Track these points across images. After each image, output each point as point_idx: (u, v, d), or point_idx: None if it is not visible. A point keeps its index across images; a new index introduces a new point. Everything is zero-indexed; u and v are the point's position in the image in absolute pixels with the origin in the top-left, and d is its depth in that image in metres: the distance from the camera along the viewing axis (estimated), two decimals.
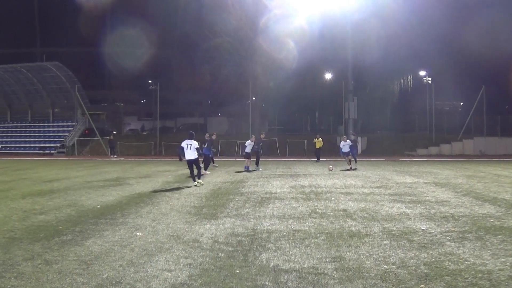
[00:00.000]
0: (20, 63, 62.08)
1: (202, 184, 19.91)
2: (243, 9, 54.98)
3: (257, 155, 30.18)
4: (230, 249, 8.77)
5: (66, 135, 61.79)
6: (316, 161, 39.16)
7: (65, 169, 32.24)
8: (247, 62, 58.71)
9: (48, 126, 64.70)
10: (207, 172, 25.33)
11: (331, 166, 29.42)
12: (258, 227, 10.81)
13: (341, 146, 30.85)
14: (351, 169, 29.11)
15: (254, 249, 8.76)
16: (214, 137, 31.12)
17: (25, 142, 61.89)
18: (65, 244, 9.13)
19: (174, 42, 69.64)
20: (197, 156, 19.77)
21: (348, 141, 30.47)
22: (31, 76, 63.14)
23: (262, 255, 8.32)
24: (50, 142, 61.29)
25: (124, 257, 8.17)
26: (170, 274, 7.19)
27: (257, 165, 29.72)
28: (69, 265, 7.68)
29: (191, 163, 19.84)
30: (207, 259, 8.08)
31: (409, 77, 64.43)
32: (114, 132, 63.62)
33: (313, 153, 42.33)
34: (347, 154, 30.46)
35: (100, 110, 74.76)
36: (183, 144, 19.84)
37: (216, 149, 25.44)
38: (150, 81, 68.81)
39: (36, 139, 61.63)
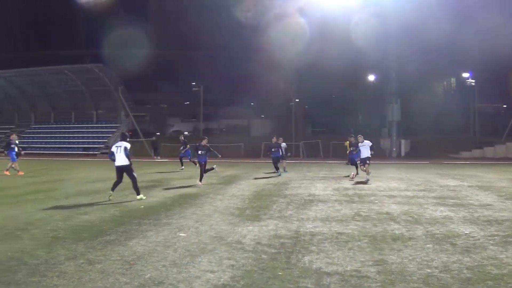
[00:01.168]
0: (64, 65, 62.99)
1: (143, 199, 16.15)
2: (286, 12, 54.94)
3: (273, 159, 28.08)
4: (273, 251, 8.77)
5: (109, 136, 62.49)
6: (347, 164, 38.79)
7: (109, 170, 32.53)
8: (291, 64, 58.63)
9: (92, 127, 65.53)
10: (201, 184, 21.33)
11: (353, 174, 24.84)
12: (301, 229, 10.80)
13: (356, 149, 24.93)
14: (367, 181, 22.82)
15: (297, 251, 8.75)
16: (204, 142, 31.06)
17: (69, 143, 62.82)
18: (109, 244, 9.23)
19: (218, 44, 69.96)
20: (128, 163, 16.27)
21: (366, 142, 24.15)
22: (75, 78, 64.00)
23: (305, 257, 8.30)
24: (93, 143, 62.11)
25: (167, 258, 8.22)
26: (212, 275, 7.21)
27: (277, 170, 27.53)
28: (112, 265, 7.76)
29: (120, 170, 16.34)
30: (250, 260, 8.09)
31: (452, 79, 63.52)
32: (158, 134, 64.14)
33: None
34: (364, 161, 23.73)
35: (144, 111, 75.57)
36: (113, 147, 16.59)
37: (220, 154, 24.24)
38: (193, 83, 69.28)
39: (80, 140, 62.54)
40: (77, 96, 68.02)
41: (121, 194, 17.44)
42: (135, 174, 16.26)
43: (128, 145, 16.43)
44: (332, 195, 17.52)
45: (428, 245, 9.14)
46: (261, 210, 13.74)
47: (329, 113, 66.93)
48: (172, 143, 56.81)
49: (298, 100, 62.72)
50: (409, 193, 17.86)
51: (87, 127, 65.63)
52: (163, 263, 7.89)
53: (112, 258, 8.19)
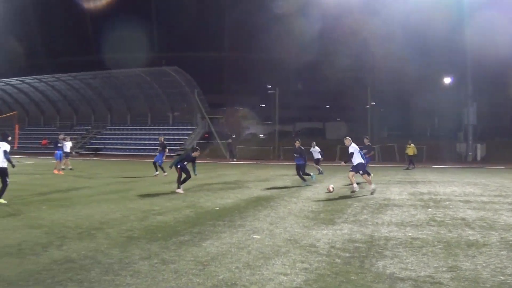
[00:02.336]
0: (140, 68, 64.28)
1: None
2: (362, 14, 54.43)
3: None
4: (347, 255, 8.68)
5: (186, 138, 63.41)
6: (407, 168, 38.02)
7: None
8: (366, 66, 58.12)
9: (168, 129, 66.55)
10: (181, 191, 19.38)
11: (331, 186, 19.78)
12: (376, 233, 10.69)
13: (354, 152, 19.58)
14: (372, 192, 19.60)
15: (371, 256, 8.65)
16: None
17: (145, 144, 64.00)
18: (183, 245, 9.29)
19: (293, 47, 69.95)
20: (5, 165, 15.24)
21: (354, 146, 19.67)
22: (150, 80, 65.24)
23: (379, 262, 8.20)
24: (169, 145, 62.96)
25: (241, 259, 8.21)
26: (285, 278, 7.16)
27: (303, 180, 23.44)
28: (185, 265, 7.79)
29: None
30: (323, 264, 8.02)
31: None
32: (233, 136, 64.62)
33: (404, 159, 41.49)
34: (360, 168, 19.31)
35: (219, 114, 76.25)
36: None
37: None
38: (269, 86, 69.50)
39: (156, 142, 63.56)
40: (153, 99, 69.38)
41: (195, 196, 17.64)
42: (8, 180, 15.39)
43: (7, 147, 15.33)
44: (408, 199, 17.29)
45: (502, 252, 8.92)
46: (336, 213, 13.63)
47: (405, 117, 65.87)
48: (247, 146, 57.29)
49: (374, 103, 62.04)
50: (484, 199, 17.44)
51: (163, 129, 66.69)
52: (237, 264, 7.88)
53: (186, 258, 8.22)
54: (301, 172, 23.35)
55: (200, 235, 10.24)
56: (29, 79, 71.60)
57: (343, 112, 74.81)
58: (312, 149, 30.76)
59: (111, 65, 69.32)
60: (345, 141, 19.79)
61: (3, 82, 73.83)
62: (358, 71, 59.02)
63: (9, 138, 15.86)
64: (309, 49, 64.50)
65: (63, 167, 30.39)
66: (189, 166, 19.61)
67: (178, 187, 19.10)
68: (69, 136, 33.70)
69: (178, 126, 66.87)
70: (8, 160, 15.19)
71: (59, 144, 30.00)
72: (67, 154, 31.38)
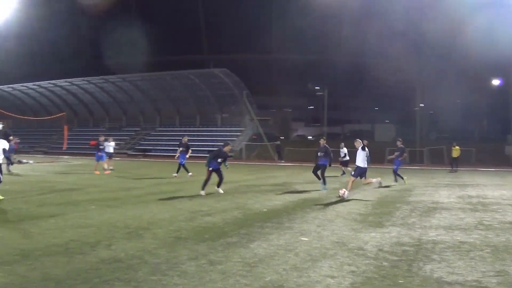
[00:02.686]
0: (189, 70, 64.69)
1: None
2: (410, 15, 53.80)
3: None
4: (395, 258, 8.63)
5: (234, 139, 63.58)
6: (451, 171, 37.41)
7: (233, 172, 33.06)
8: (415, 68, 57.45)
9: (216, 131, 66.85)
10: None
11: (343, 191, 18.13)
12: (424, 237, 10.61)
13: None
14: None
15: (419, 259, 8.59)
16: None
17: (193, 146, 64.35)
18: (230, 246, 9.28)
19: (342, 48, 69.79)
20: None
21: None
22: (199, 82, 65.60)
23: (426, 266, 8.14)
24: (218, 146, 63.15)
25: (288, 261, 8.17)
26: (332, 281, 7.12)
27: (324, 182, 21.83)
28: (233, 266, 7.77)
29: None
30: (371, 267, 7.98)
31: None
32: (282, 138, 64.58)
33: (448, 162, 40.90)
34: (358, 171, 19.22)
35: (268, 115, 76.39)
36: None
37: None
38: (317, 87, 69.34)
39: (204, 143, 63.90)
40: (202, 100, 69.77)
41: (244, 197, 17.67)
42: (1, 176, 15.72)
43: (6, 146, 15.77)
44: (456, 202, 17.15)
45: None
46: (384, 216, 13.58)
47: (454, 119, 64.99)
48: (295, 147, 57.18)
49: (423, 105, 61.39)
50: None
51: (212, 131, 67.03)
52: (284, 266, 7.84)
53: (233, 259, 8.21)
54: (321, 174, 21.85)
55: (247, 236, 10.24)
56: (78, 80, 72.77)
57: (391, 114, 74.28)
58: (340, 150, 30.93)
59: (159, 67, 70.10)
60: (355, 143, 19.63)
61: (52, 83, 75.30)
62: (406, 72, 58.34)
63: (11, 138, 16.65)
64: (358, 50, 64.25)
65: (106, 167, 30.85)
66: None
67: (202, 189, 18.61)
68: (112, 137, 34.12)
69: (226, 128, 67.07)
70: (7, 158, 15.92)
71: (100, 146, 30.46)
72: (110, 155, 31.84)
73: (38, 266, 7.58)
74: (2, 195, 15.82)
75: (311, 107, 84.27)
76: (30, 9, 74.69)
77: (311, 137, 78.31)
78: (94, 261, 7.92)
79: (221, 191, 18.99)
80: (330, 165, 22.22)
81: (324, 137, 24.29)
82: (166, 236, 10.12)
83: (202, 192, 18.30)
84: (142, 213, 13.28)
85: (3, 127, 42.47)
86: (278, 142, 57.24)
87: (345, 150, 30.43)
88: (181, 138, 30.24)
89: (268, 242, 9.70)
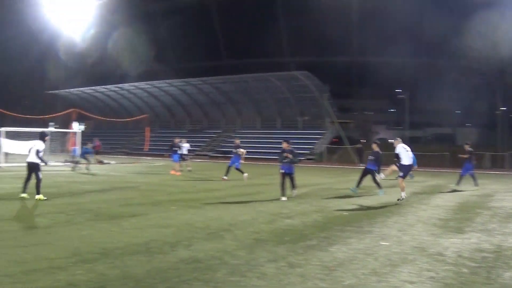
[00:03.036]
0: (270, 72, 64.86)
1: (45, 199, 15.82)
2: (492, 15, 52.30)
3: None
4: (474, 265, 8.49)
5: (315, 142, 63.44)
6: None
7: (314, 175, 33.04)
8: (496, 69, 55.93)
9: (297, 134, 66.77)
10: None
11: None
12: (504, 243, 10.37)
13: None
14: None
15: (498, 266, 8.42)
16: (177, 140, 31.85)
17: (274, 148, 64.50)
18: (310, 249, 9.27)
19: (423, 50, 68.62)
20: (36, 161, 16.30)
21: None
22: (280, 85, 65.73)
23: (506, 273, 7.98)
24: (299, 149, 63.24)
25: (368, 266, 8.13)
26: (411, 286, 7.08)
27: (378, 186, 21.37)
28: (312, 269, 7.75)
29: (28, 167, 16.49)
30: (450, 273, 7.87)
31: None
32: (364, 141, 63.99)
33: None
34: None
35: (349, 118, 75.88)
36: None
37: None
38: (399, 90, 68.50)
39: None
40: (283, 103, 69.88)
41: (324, 200, 17.63)
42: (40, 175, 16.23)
43: (42, 147, 16.42)
44: None
45: None
46: (464, 222, 13.32)
47: None
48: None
49: (505, 108, 59.73)
50: None
51: (293, 133, 67.02)
52: (363, 271, 7.80)
53: (312, 262, 8.19)
54: (372, 179, 21.24)
55: (327, 240, 10.19)
56: (159, 83, 74.21)
57: (473, 117, 72.52)
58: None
59: (239, 70, 70.62)
60: (394, 142, 19.30)
61: (134, 86, 77.00)
62: (488, 75, 56.95)
63: (46, 138, 17.17)
64: (440, 52, 63.10)
65: (183, 168, 31.63)
66: None
67: (283, 195, 17.62)
68: (186, 139, 34.86)
69: (307, 131, 66.97)
70: (41, 159, 16.29)
71: (174, 148, 31.13)
72: (184, 157, 32.46)
73: (118, 264, 7.76)
74: (44, 196, 16.05)
75: (392, 110, 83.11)
76: (116, 13, 76.97)
77: (392, 141, 77.26)
78: (174, 261, 8.05)
79: (294, 193, 18.72)
80: (378, 172, 21.43)
81: (378, 142, 23.45)
82: (246, 238, 10.19)
83: (283, 198, 17.48)
84: (222, 215, 13.38)
85: (85, 128, 43.73)
86: (359, 145, 56.72)
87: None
88: (261, 140, 30.20)
89: (347, 246, 9.64)
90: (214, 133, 74.41)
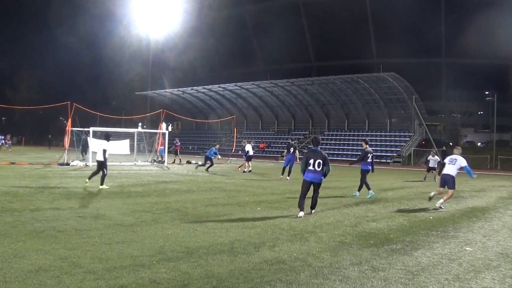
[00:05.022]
0: (358, 74, 64.38)
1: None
2: None
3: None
4: None
5: (402, 145, 62.64)
6: None
7: (401, 179, 32.63)
8: None
9: (385, 136, 66.22)
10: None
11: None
12: None
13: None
14: None
15: None
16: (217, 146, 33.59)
17: (361, 150, 63.87)
18: (394, 253, 9.21)
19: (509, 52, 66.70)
20: (102, 159, 19.00)
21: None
22: (368, 87, 65.23)
23: None
24: (386, 151, 62.65)
25: (451, 271, 8.05)
26: None
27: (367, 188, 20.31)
28: (395, 273, 7.71)
29: (97, 164, 19.36)
30: None
31: None
32: (450, 144, 62.68)
33: None
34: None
35: (437, 121, 74.48)
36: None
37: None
38: (487, 92, 66.91)
39: (373, 148, 63.20)
40: (370, 105, 69.36)
41: (410, 204, 17.45)
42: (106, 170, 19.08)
43: (108, 147, 19.24)
44: None
45: None
46: None
47: None
48: (464, 154, 55.25)
49: None
50: None
51: (381, 135, 66.44)
52: (446, 276, 7.72)
53: (396, 267, 8.14)
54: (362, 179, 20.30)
55: (412, 244, 10.11)
56: (247, 84, 75.05)
57: None
58: (430, 157, 32.34)
59: (327, 72, 70.53)
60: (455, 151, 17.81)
61: (222, 87, 78.04)
62: None
63: (110, 138, 19.94)
64: None
65: (245, 169, 33.06)
66: None
67: (301, 209, 14.20)
68: (251, 140, 36.17)
69: (395, 133, 66.19)
70: (105, 157, 18.88)
71: (245, 150, 33.39)
72: (249, 157, 33.65)
73: (201, 263, 7.89)
74: (106, 186, 18.74)
75: (480, 112, 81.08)
76: (195, 20, 78.43)
77: (480, 144, 75.54)
78: (257, 262, 8.13)
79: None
80: (373, 171, 21.00)
81: (367, 140, 22.63)
82: (330, 240, 10.18)
83: (301, 214, 13.59)
84: (307, 217, 13.42)
85: (173, 129, 44.68)
86: (444, 148, 55.65)
87: (436, 158, 31.75)
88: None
89: (432, 250, 9.55)
90: (302, 134, 74.43)
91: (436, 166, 31.64)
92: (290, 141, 29.43)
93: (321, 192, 15.04)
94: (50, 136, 79.58)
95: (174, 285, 6.71)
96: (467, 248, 9.92)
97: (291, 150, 27.72)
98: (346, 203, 17.12)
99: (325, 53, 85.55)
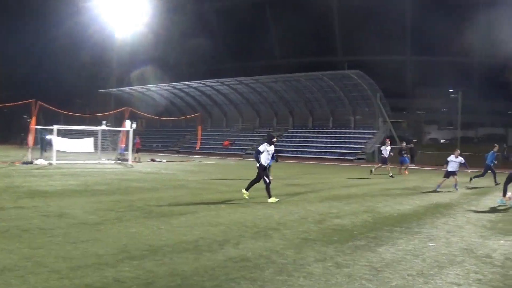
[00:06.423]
0: (322, 71, 64.63)
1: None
2: None
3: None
4: None
5: (366, 142, 63.03)
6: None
7: (364, 175, 32.85)
8: None
9: (349, 133, 66.56)
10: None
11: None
12: None
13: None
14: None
15: None
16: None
17: (326, 147, 64.30)
18: (358, 249, 9.26)
19: (478, 50, 67.83)
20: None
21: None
22: (332, 84, 65.45)
23: None
24: (350, 148, 62.98)
25: (415, 267, 8.11)
26: None
27: None
28: (359, 270, 7.73)
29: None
30: (497, 276, 7.81)
31: None
32: (415, 141, 63.31)
33: None
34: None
35: (401, 118, 75.16)
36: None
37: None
38: (451, 89, 67.81)
39: (337, 145, 63.70)
40: (335, 102, 69.62)
41: (374, 200, 17.63)
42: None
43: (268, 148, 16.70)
44: None
45: None
46: None
47: None
48: (427, 151, 55.96)
49: None
50: None
51: (345, 133, 66.79)
52: (410, 272, 7.76)
53: (360, 263, 8.18)
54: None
55: (376, 240, 10.17)
56: (211, 82, 74.76)
57: None
58: (383, 147, 33.33)
59: (292, 69, 70.70)
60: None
61: (186, 85, 77.84)
62: None
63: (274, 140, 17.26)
64: (494, 51, 62.24)
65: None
66: None
67: (269, 196, 16.15)
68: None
69: (359, 130, 66.59)
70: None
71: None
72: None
73: (166, 261, 7.84)
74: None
75: (444, 109, 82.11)
76: (166, 16, 78.02)
77: (443, 141, 76.60)
78: (222, 259, 8.10)
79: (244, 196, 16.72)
80: (277, 160, 21.81)
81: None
82: (294, 237, 10.20)
83: (270, 200, 15.86)
84: (272, 214, 13.42)
85: (137, 126, 44.35)
86: (411, 145, 56.17)
87: (388, 148, 32.95)
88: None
89: (396, 246, 9.61)
90: (266, 132, 74.48)
91: (387, 156, 32.15)
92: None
93: (285, 188, 15.22)
94: (23, 134, 78.42)
95: (138, 283, 6.66)
96: (431, 244, 10.01)
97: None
98: (310, 200, 17.15)
99: (290, 50, 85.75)
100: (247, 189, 16.46)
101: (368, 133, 64.91)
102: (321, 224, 12.06)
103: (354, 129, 67.41)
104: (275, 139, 17.15)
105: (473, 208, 16.52)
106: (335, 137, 65.79)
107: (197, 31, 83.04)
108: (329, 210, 14.61)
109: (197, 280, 6.89)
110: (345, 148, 62.93)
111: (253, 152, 19.08)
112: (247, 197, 16.12)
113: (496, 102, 71.57)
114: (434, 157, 53.95)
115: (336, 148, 63.18)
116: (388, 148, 32.79)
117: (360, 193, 20.57)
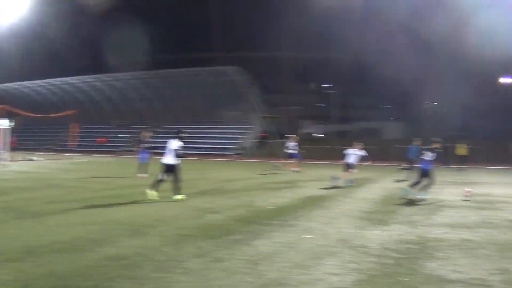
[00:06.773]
0: (198, 67, 64.67)
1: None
2: (417, 12, 53.78)
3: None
4: (398, 256, 8.73)
5: (243, 137, 63.62)
6: (459, 169, 35.23)
7: (241, 170, 33.19)
8: (425, 64, 57.54)
9: (226, 129, 66.92)
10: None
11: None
12: (428, 235, 10.71)
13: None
14: None
15: (423, 257, 8.71)
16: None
17: (203, 143, 64.39)
18: (235, 243, 9.35)
19: (353, 46, 70.08)
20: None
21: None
22: (209, 80, 65.60)
23: (430, 263, 8.24)
24: (227, 144, 63.35)
25: (292, 259, 8.25)
26: (336, 278, 7.21)
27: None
28: (237, 264, 7.84)
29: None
30: (374, 265, 8.06)
31: None
32: (290, 135, 64.60)
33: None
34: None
35: (276, 113, 76.37)
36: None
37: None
38: (327, 85, 69.66)
39: (214, 141, 63.93)
40: (211, 98, 69.78)
41: (251, 195, 17.78)
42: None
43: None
44: (461, 201, 17.08)
45: None
46: (389, 214, 13.66)
47: (464, 118, 64.91)
48: (303, 145, 57.27)
49: (436, 103, 61.44)
50: None
51: (220, 128, 67.11)
52: (287, 264, 7.91)
53: (237, 257, 8.28)
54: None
55: (252, 234, 10.30)
56: (88, 78, 73.48)
57: (402, 112, 74.41)
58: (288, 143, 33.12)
59: (169, 65, 70.30)
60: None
61: (63, 81, 76.28)
62: (418, 70, 58.29)
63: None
64: (369, 48, 64.33)
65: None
66: None
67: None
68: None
69: (235, 125, 67.05)
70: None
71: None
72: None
73: (43, 263, 7.64)
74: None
75: (318, 104, 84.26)
76: (36, 8, 75.16)
77: (319, 135, 78.74)
78: (99, 258, 7.99)
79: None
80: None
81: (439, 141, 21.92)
82: (171, 234, 10.18)
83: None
84: (148, 211, 13.37)
85: (15, 125, 42.66)
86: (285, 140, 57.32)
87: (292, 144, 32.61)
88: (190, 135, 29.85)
89: (272, 239, 9.76)
90: (142, 128, 73.68)
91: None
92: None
93: (162, 185, 15.16)
94: None
95: (16, 286, 6.49)
96: (308, 236, 10.22)
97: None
98: (188, 195, 17.10)
99: (166, 45, 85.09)
100: (177, 194, 15.98)
101: (244, 129, 65.54)
102: (198, 220, 12.11)
103: (230, 124, 67.86)
104: (185, 135, 17.06)
105: (348, 200, 16.95)
106: (213, 133, 65.94)
107: (65, 26, 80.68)
108: (206, 205, 14.65)
109: (75, 280, 6.77)
110: (223, 143, 63.25)
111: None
112: (182, 199, 15.70)
113: (371, 98, 74.26)
114: (309, 150, 55.22)
115: (213, 143, 63.38)
116: (292, 143, 32.99)
117: (237, 187, 20.79)
